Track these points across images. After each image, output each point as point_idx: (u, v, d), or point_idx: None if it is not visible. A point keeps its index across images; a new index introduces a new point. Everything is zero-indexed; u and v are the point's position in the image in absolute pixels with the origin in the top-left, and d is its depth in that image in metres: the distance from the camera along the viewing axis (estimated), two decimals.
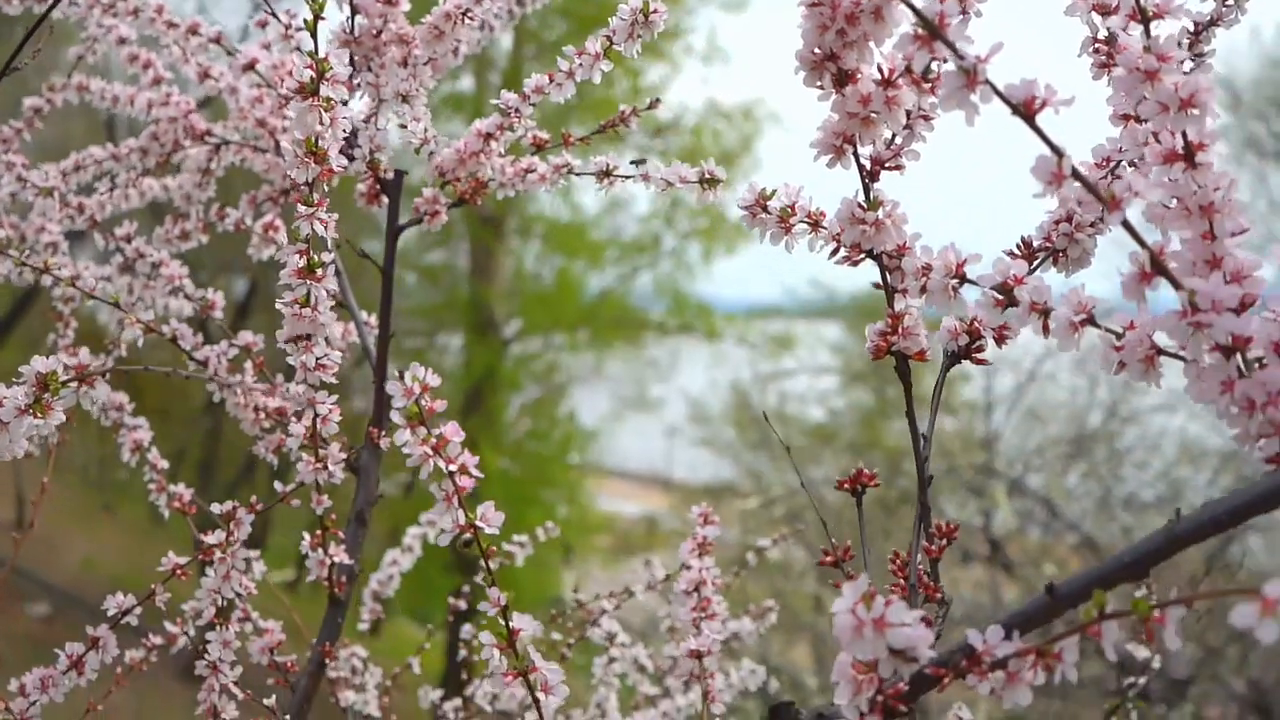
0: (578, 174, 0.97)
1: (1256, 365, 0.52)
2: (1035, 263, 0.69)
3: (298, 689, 0.99)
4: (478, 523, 0.63)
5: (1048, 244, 0.69)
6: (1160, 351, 0.55)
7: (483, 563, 0.64)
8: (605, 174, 0.95)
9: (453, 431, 0.63)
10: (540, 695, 0.65)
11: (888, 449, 8.22)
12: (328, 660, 0.99)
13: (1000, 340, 0.68)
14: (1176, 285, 0.52)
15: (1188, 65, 0.73)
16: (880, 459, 7.95)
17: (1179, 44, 0.73)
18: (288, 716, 0.97)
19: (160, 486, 1.08)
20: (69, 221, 1.28)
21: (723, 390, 9.52)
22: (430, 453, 0.62)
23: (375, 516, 1.06)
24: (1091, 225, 0.68)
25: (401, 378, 0.61)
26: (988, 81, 0.50)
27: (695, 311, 11.35)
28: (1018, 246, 0.69)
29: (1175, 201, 0.55)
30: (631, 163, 0.92)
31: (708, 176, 0.84)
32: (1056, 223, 0.69)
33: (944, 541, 0.65)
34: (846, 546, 0.66)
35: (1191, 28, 0.74)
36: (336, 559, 0.97)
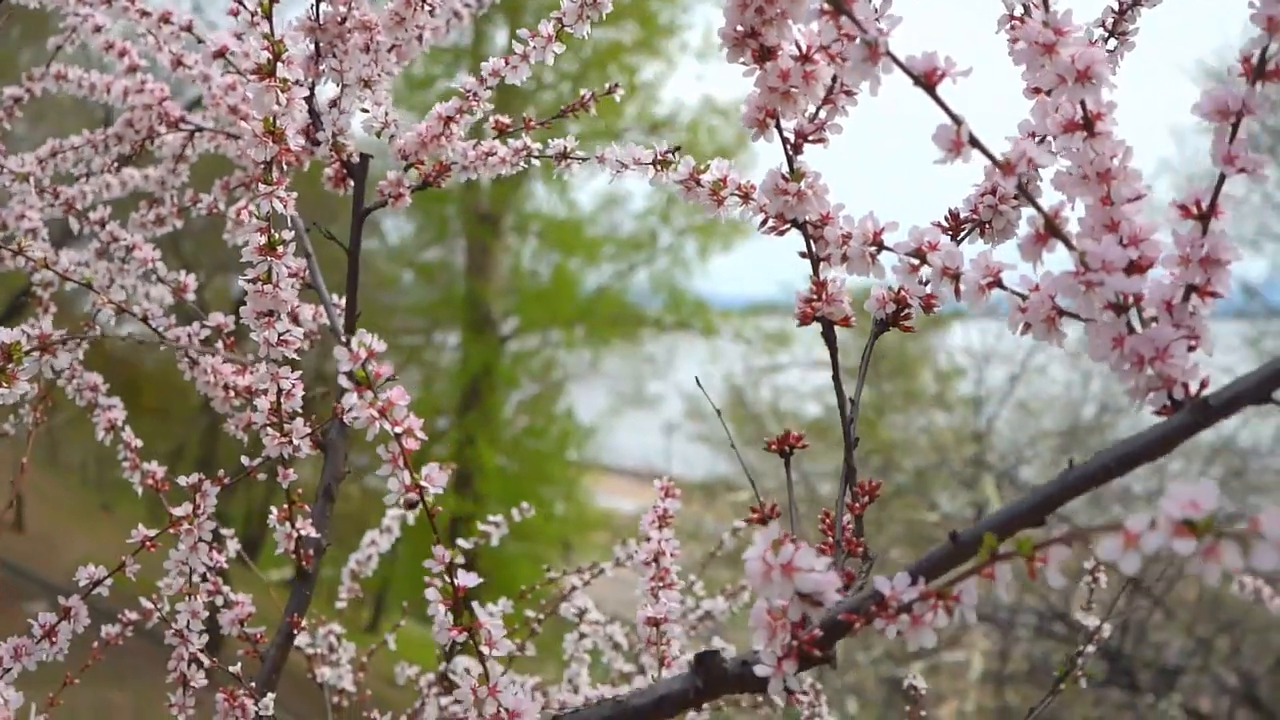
0: (537, 157, 1.00)
1: (1152, 323, 0.55)
2: (962, 233, 0.72)
3: (267, 659, 1.02)
4: (422, 483, 0.66)
5: (974, 215, 0.72)
6: (1062, 312, 0.58)
7: (429, 521, 0.67)
8: (563, 156, 0.98)
9: (398, 395, 0.66)
10: (485, 649, 0.68)
11: (882, 443, 8.26)
12: (295, 631, 1.02)
13: (928, 308, 0.71)
14: (1070, 246, 0.54)
15: (1111, 44, 0.76)
16: (875, 454, 7.98)
17: (1103, 23, 0.76)
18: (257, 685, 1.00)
19: (134, 464, 1.11)
20: (48, 210, 1.31)
21: (716, 385, 9.54)
22: (377, 415, 0.65)
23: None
24: (1015, 198, 0.71)
25: (348, 345, 0.64)
26: (889, 54, 0.53)
27: (692, 308, 11.38)
28: (945, 218, 0.72)
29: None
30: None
31: (660, 158, 0.87)
32: (982, 195, 0.71)
33: (867, 499, 0.67)
34: (773, 505, 0.69)
35: (1117, 6, 0.77)
36: (303, 533, 1.00)
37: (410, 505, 0.67)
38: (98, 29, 1.25)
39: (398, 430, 0.65)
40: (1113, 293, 0.54)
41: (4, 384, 0.70)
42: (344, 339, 1.02)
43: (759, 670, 0.57)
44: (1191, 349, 0.54)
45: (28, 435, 1.25)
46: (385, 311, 11.25)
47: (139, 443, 1.14)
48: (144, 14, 1.14)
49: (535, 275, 11.88)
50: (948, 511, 5.81)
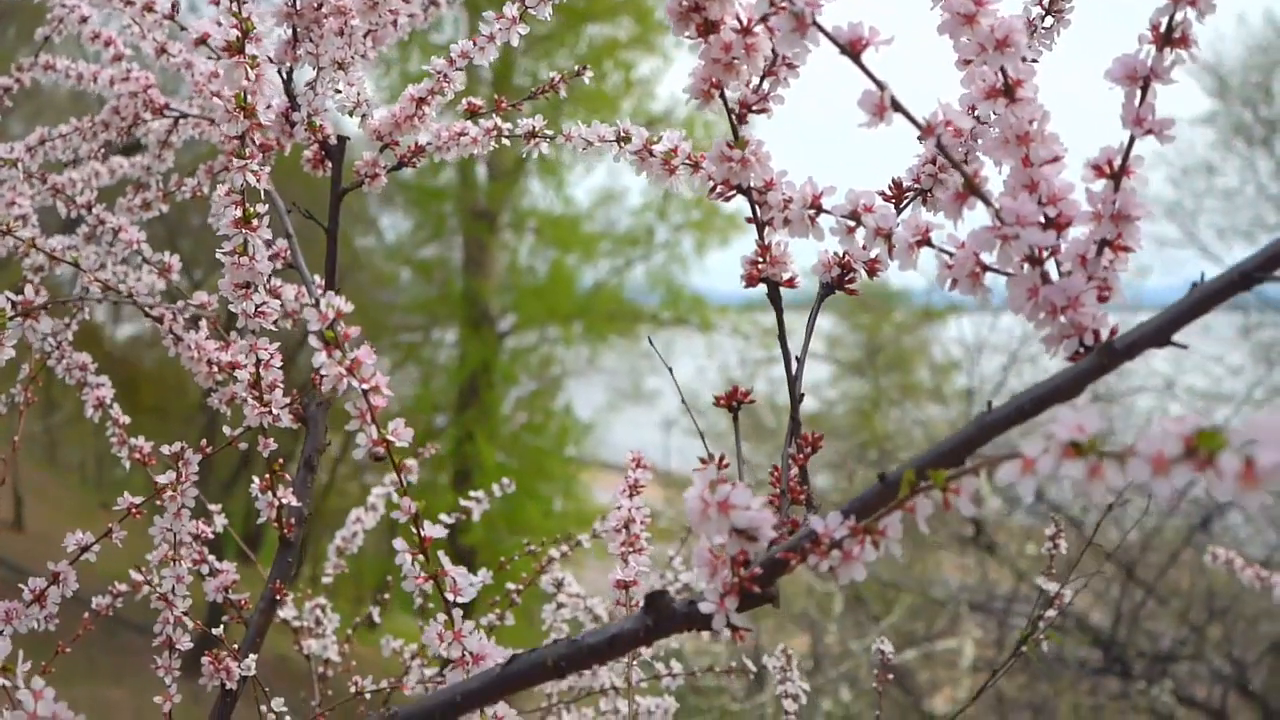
0: (507, 136, 1.03)
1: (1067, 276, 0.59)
2: (905, 201, 0.75)
3: (251, 624, 1.05)
4: (389, 437, 0.70)
5: (916, 184, 0.75)
6: (985, 268, 0.61)
7: (395, 475, 0.71)
8: (531, 135, 1.01)
9: (365, 354, 0.69)
10: (449, 596, 0.71)
11: (878, 436, 8.30)
12: (279, 597, 1.05)
13: (872, 273, 0.74)
14: (987, 203, 0.58)
15: (1048, 21, 0.79)
16: (871, 446, 8.02)
17: (1039, 1, 0.79)
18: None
19: (121, 440, 1.14)
20: (37, 198, 1.34)
21: (712, 379, 9.56)
22: (345, 373, 0.68)
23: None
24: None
25: (317, 306, 0.68)
26: (816, 24, 0.57)
27: (689, 304, 11.41)
28: (888, 186, 0.75)
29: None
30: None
31: (623, 134, 0.90)
32: (923, 164, 0.75)
33: (810, 450, 0.71)
34: (722, 455, 0.73)
35: None
36: (285, 501, 1.03)
37: (376, 458, 0.70)
38: (84, 19, 1.28)
39: (365, 387, 0.69)
40: (1027, 246, 0.57)
41: None
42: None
43: (703, 608, 0.61)
44: (1104, 299, 0.58)
45: (19, 414, 1.28)
46: (383, 309, 11.29)
47: (126, 419, 1.17)
48: (128, 3, 1.17)
49: (532, 271, 11.91)
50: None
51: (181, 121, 1.27)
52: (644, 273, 11.99)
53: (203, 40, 1.10)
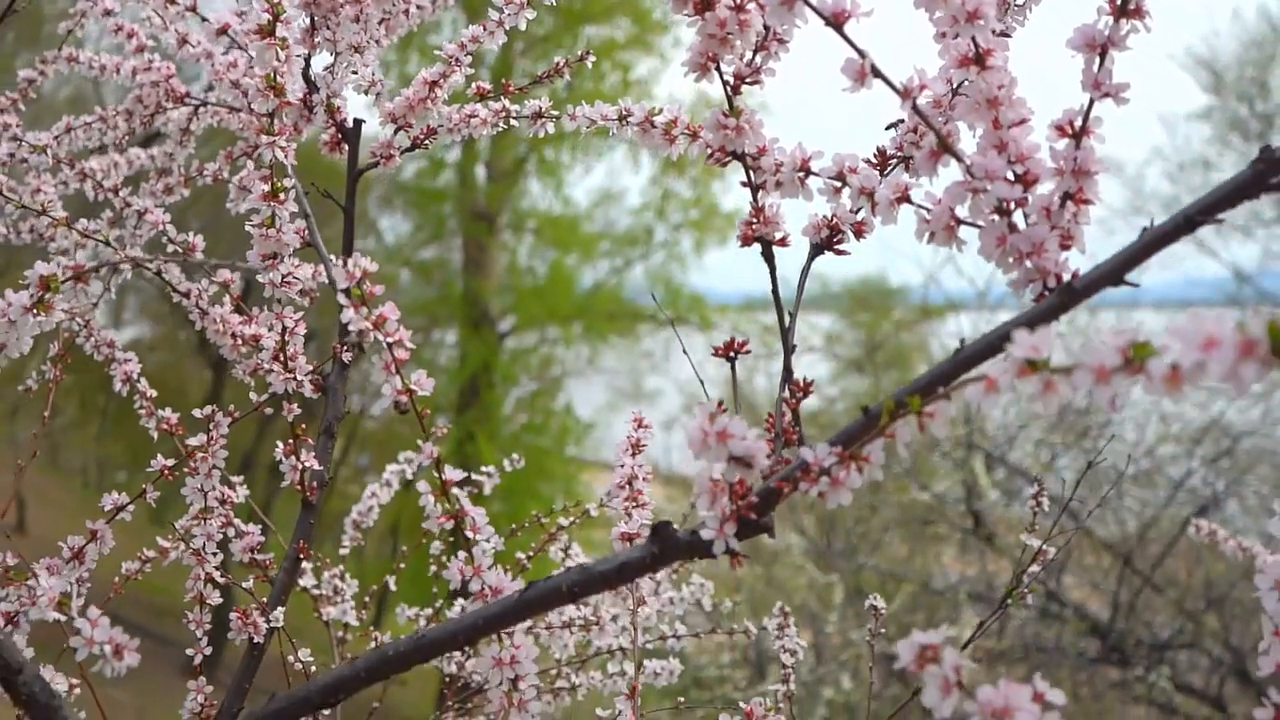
0: (515, 118, 1.09)
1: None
2: (889, 167, 0.81)
3: (276, 583, 1.11)
4: (412, 386, 0.75)
5: (899, 151, 0.81)
6: (959, 220, 0.67)
7: (420, 426, 0.76)
8: (538, 115, 1.07)
9: (390, 310, 0.75)
10: (470, 535, 0.77)
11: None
12: (302, 557, 1.11)
13: (859, 234, 0.80)
14: (959, 159, 0.64)
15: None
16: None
17: None
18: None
19: (149, 411, 1.19)
20: (63, 185, 1.40)
21: (711, 375, 9.58)
22: (371, 327, 0.74)
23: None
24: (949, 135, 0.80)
25: (345, 265, 0.73)
26: None
27: (689, 303, 11.47)
28: (874, 154, 0.81)
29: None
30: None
31: (625, 112, 0.96)
32: (905, 133, 0.81)
33: (802, 395, 0.77)
34: (720, 401, 0.78)
35: None
36: (308, 465, 1.09)
37: (401, 409, 0.76)
38: (107, 12, 1.34)
39: (390, 340, 0.74)
40: (996, 198, 0.63)
41: (42, 311, 0.79)
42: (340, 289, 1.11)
43: (704, 534, 0.67)
44: (1066, 247, 0.64)
45: (48, 393, 1.33)
46: None
47: (154, 393, 1.23)
48: None
49: (532, 272, 11.96)
50: (938, 492, 5.91)
51: (201, 109, 1.33)
52: (643, 272, 12.05)
53: (224, 30, 1.16)
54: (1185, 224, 0.58)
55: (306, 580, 1.40)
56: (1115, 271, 0.59)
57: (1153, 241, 0.59)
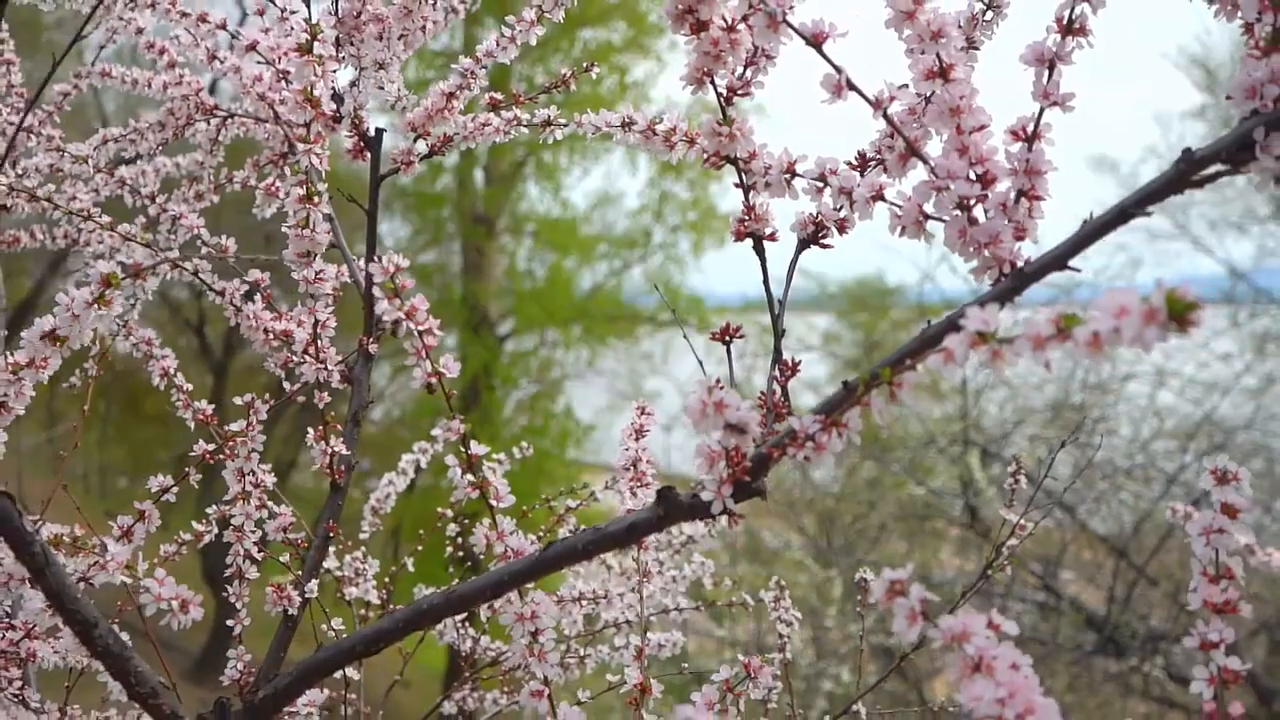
0: (525, 125, 1.17)
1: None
2: (869, 169, 0.89)
3: (308, 560, 1.20)
4: (440, 369, 0.84)
5: (877, 155, 0.89)
6: (926, 215, 0.76)
7: (444, 402, 0.85)
8: (547, 123, 1.16)
9: (420, 302, 0.84)
10: (493, 503, 0.86)
11: (875, 430, 8.43)
12: (331, 535, 1.19)
13: (841, 230, 0.88)
14: (925, 161, 0.72)
15: (989, 15, 0.94)
16: (871, 441, 8.16)
17: None
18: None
19: (185, 404, 1.28)
20: (93, 194, 1.49)
21: (710, 373, 9.65)
22: (404, 316, 0.83)
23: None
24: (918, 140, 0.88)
25: (380, 260, 0.82)
26: (786, 22, 0.71)
27: (687, 304, 11.55)
28: (855, 157, 0.90)
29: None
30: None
31: (627, 121, 1.04)
32: (883, 138, 0.89)
33: (790, 373, 0.85)
34: (717, 379, 0.87)
35: None
36: (337, 450, 1.17)
37: (430, 389, 0.85)
38: (140, 30, 1.42)
39: (421, 328, 0.83)
40: (957, 195, 0.72)
41: (103, 306, 0.87)
42: (364, 287, 1.20)
43: (704, 496, 0.75)
44: (1019, 238, 0.72)
45: (87, 388, 1.42)
46: None
47: (189, 386, 1.31)
48: (184, 14, 1.31)
49: (531, 275, 12.04)
50: (935, 487, 6.00)
51: (228, 121, 1.42)
52: (641, 274, 12.13)
53: (252, 47, 1.25)
54: (1120, 215, 0.66)
55: (329, 563, 1.49)
56: (1060, 258, 0.68)
57: (1092, 231, 0.67)
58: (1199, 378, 7.87)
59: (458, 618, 1.56)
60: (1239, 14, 0.68)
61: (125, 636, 0.81)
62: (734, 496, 0.76)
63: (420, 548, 1.62)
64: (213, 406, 1.27)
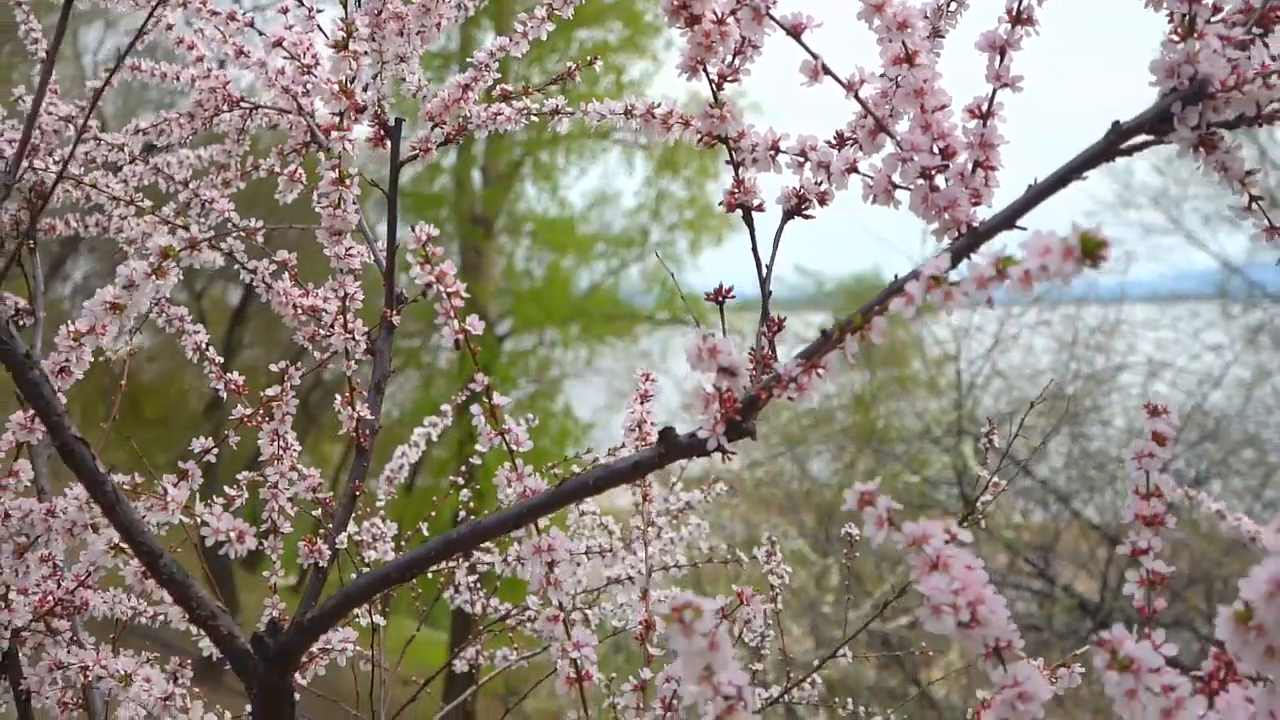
0: (535, 114, 1.27)
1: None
2: (844, 146, 0.99)
3: (336, 516, 1.30)
4: (467, 327, 0.94)
5: (853, 133, 0.99)
6: (894, 184, 0.86)
7: (470, 357, 0.95)
8: (555, 112, 1.26)
9: (449, 267, 0.94)
10: (514, 447, 0.96)
11: (875, 427, 8.54)
12: (357, 494, 1.29)
13: (822, 201, 0.98)
14: (891, 136, 0.82)
15: (953, 5, 1.04)
16: (871, 436, 8.27)
17: None
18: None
19: (219, 375, 1.38)
20: (122, 185, 1.58)
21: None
22: (434, 280, 0.93)
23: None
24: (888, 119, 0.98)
25: (413, 229, 0.92)
26: (769, 14, 0.81)
27: (690, 304, 11.62)
28: (834, 136, 1.00)
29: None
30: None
31: (629, 108, 1.14)
32: (859, 119, 0.99)
33: (776, 329, 0.95)
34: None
35: None
36: (362, 414, 1.27)
37: (457, 345, 0.95)
38: (170, 27, 1.52)
39: (449, 291, 0.93)
40: (920, 166, 0.82)
41: (159, 277, 0.97)
42: (385, 266, 1.30)
43: (700, 433, 0.85)
44: (975, 204, 0.82)
45: (122, 364, 1.52)
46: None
47: (220, 359, 1.41)
48: (213, 13, 1.41)
49: (529, 275, 12.14)
50: (930, 476, 6.11)
51: (254, 112, 1.51)
52: (639, 273, 12.22)
53: (279, 43, 1.35)
54: (1059, 180, 0.77)
55: (350, 528, 1.59)
56: (1008, 219, 0.78)
57: (1035, 195, 0.77)
58: (1190, 368, 7.99)
59: (471, 577, 1.66)
60: (1165, 4, 0.78)
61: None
62: (726, 435, 0.85)
63: (434, 513, 1.73)
64: (243, 378, 1.37)
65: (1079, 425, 6.99)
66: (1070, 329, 7.72)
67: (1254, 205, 0.79)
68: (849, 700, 1.78)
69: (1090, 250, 0.58)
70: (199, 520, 0.94)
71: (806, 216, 0.99)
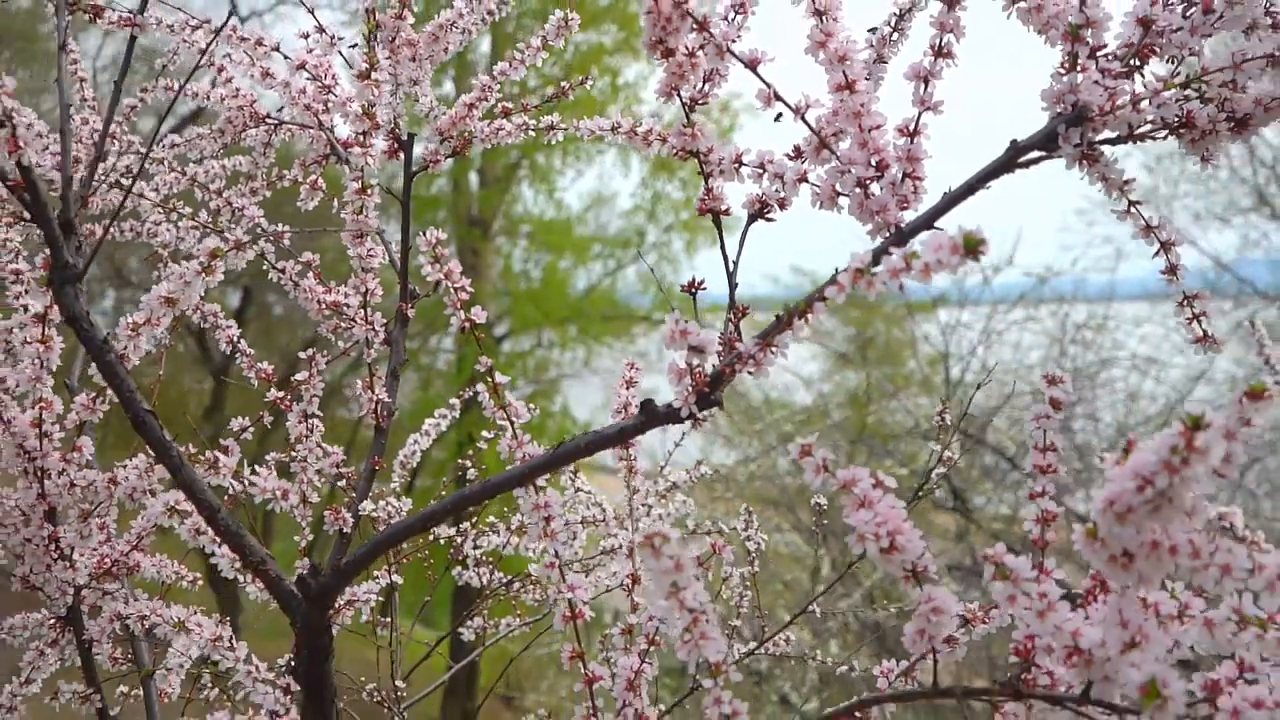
0: (534, 130, 1.43)
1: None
2: (800, 159, 1.15)
3: (358, 488, 1.45)
4: (472, 316, 1.10)
5: (804, 150, 1.15)
6: (837, 192, 1.01)
7: (475, 344, 1.11)
8: (552, 128, 1.42)
9: (456, 265, 1.09)
10: (515, 419, 1.11)
11: (868, 424, 8.70)
12: (376, 468, 1.45)
13: (782, 206, 1.14)
14: (833, 152, 0.98)
15: (895, 36, 1.20)
16: (866, 434, 8.42)
17: (889, 22, 1.19)
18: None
19: (250, 364, 1.53)
20: (154, 194, 1.74)
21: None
22: (443, 277, 1.09)
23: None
24: (834, 136, 1.14)
25: (424, 233, 1.08)
26: (730, 50, 0.97)
27: (681, 303, 11.78)
28: (792, 149, 1.15)
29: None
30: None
31: (616, 125, 1.30)
32: (808, 135, 1.15)
33: (741, 315, 1.11)
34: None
35: (898, 10, 1.20)
36: (380, 397, 1.43)
37: (464, 331, 1.10)
38: (202, 52, 1.67)
39: (456, 285, 1.09)
40: (857, 177, 0.97)
41: (207, 274, 1.13)
42: (399, 265, 1.45)
43: (674, 402, 1.01)
44: (904, 208, 0.98)
45: (160, 356, 1.67)
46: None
47: (252, 351, 1.56)
48: (242, 39, 1.57)
49: (526, 276, 12.28)
50: (916, 468, 6.27)
51: (279, 128, 1.67)
52: (635, 274, 12.36)
53: (302, 65, 1.50)
54: (967, 190, 0.92)
55: (365, 507, 1.74)
56: (926, 221, 0.94)
57: (948, 201, 0.93)
58: (1176, 363, 8.15)
59: (478, 550, 1.82)
60: (1054, 43, 0.93)
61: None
62: (697, 405, 1.01)
63: (444, 492, 1.87)
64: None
65: (1067, 420, 7.15)
66: (1059, 326, 7.90)
67: (1132, 210, 0.94)
68: (828, 658, 1.93)
69: (971, 247, 0.74)
70: (246, 482, 1.10)
71: (769, 220, 1.14)
